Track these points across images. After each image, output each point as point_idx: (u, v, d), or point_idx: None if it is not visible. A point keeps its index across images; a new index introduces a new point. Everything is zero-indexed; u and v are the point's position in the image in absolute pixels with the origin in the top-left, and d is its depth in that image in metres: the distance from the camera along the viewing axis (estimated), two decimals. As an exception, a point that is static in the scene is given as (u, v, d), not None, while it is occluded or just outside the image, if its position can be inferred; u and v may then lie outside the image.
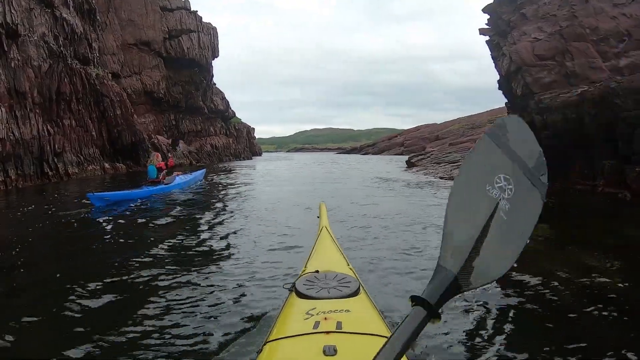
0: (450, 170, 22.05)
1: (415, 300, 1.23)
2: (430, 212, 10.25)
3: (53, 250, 7.13)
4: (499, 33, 18.41)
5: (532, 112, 15.02)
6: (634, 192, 11.02)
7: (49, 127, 18.74)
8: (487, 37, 19.44)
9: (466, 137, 57.55)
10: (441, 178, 20.05)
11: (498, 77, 18.77)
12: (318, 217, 5.01)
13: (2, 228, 8.83)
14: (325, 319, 2.23)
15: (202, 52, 43.10)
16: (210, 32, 46.18)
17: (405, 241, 7.20)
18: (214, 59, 47.78)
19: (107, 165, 22.20)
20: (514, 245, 1.35)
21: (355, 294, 2.68)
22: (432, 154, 30.59)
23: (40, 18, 21.38)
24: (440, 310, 1.21)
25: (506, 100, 19.36)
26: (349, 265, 3.44)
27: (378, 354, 1.13)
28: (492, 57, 19.33)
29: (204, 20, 44.84)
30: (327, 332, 2.08)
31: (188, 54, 40.40)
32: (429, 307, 1.20)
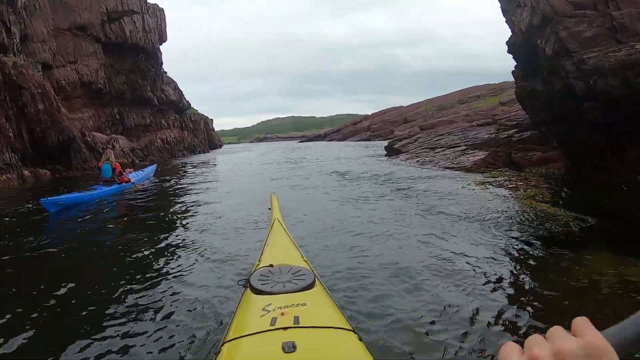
0: (456, 158, 18.21)
1: None
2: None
3: (12, 261, 6.57)
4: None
5: (569, 76, 11.80)
6: None
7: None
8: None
9: (436, 119, 56.32)
10: (449, 169, 16.47)
11: (510, 37, 15.60)
12: (269, 209, 5.13)
13: None
14: (282, 314, 2.27)
15: (147, 36, 39.46)
16: (157, 13, 42.49)
17: (362, 235, 7.09)
18: (161, 44, 44.13)
19: (26, 172, 18.83)
20: None
21: (310, 286, 2.74)
22: (419, 137, 26.40)
23: None
24: None
25: (514, 68, 16.36)
26: (303, 257, 3.50)
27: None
28: (502, 11, 15.98)
29: (149, 1, 41.23)
30: (285, 328, 2.11)
31: (131, 38, 36.67)
32: None
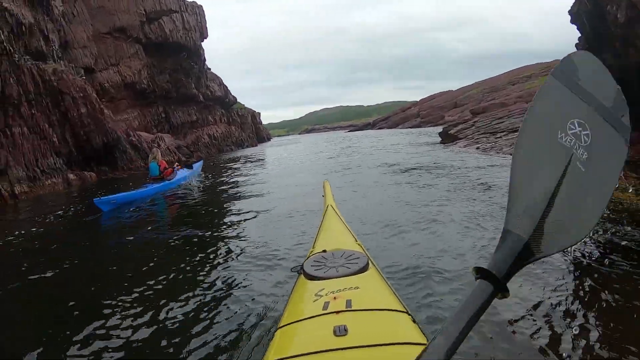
0: None
1: (480, 272, 1.10)
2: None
3: (70, 258, 6.81)
4: None
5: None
6: None
7: (-15, 140, 15.67)
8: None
9: (487, 102, 54.46)
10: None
11: (572, 4, 13.98)
12: (323, 196, 5.05)
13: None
14: (335, 298, 2.27)
15: (188, 34, 39.69)
16: (196, 10, 42.66)
17: (419, 215, 7.05)
18: (202, 41, 44.35)
19: (71, 176, 19.10)
20: (597, 200, 1.26)
21: (364, 269, 2.70)
22: (477, 122, 23.97)
23: (-26, 11, 18.32)
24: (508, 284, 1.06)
25: (577, 40, 14.76)
26: (357, 241, 3.45)
27: (440, 333, 1.01)
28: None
29: (187, -1, 41.45)
30: (337, 312, 2.11)
31: (171, 37, 36.97)
32: (496, 281, 1.07)
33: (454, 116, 64.24)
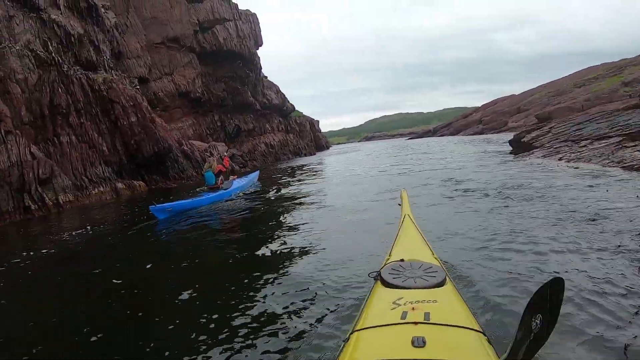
0: (612, 153, 13.26)
1: None
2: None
3: (130, 265, 7.09)
4: None
5: None
6: None
7: (32, 149, 15.45)
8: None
9: (553, 106, 51.75)
10: (622, 167, 11.52)
11: None
12: (400, 204, 5.13)
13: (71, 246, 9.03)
14: (413, 309, 2.32)
15: (242, 42, 39.49)
16: (250, 19, 42.53)
17: (496, 235, 6.26)
18: (257, 49, 44.12)
19: (120, 185, 18.77)
20: None
21: (441, 284, 2.74)
22: (553, 127, 20.52)
23: (24, 24, 18.38)
24: None
25: None
26: (434, 254, 3.50)
27: None
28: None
29: (240, 7, 41.34)
30: (415, 323, 2.17)
31: (225, 45, 36.80)
32: None
33: (518, 122, 61.91)
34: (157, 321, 4.49)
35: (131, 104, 20.69)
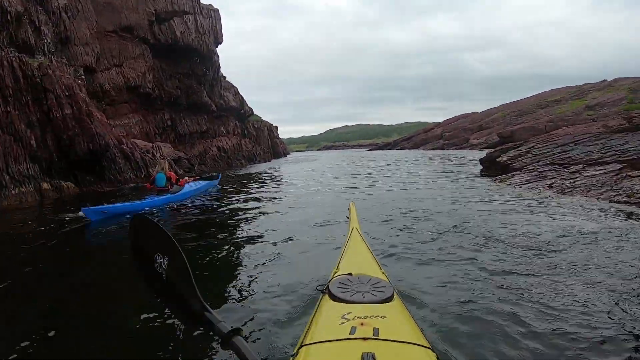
0: (616, 183, 11.69)
1: None
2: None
3: (50, 270, 6.83)
4: None
5: None
6: None
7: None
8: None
9: (515, 126, 52.35)
10: (616, 203, 9.98)
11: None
12: (348, 217, 5.12)
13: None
14: (362, 324, 2.32)
15: (201, 38, 37.83)
16: (211, 14, 40.96)
17: (443, 248, 6.53)
18: (217, 46, 42.57)
19: (45, 185, 17.04)
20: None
21: (389, 299, 2.76)
22: (533, 147, 18.62)
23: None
24: None
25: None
26: (381, 269, 3.50)
27: None
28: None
29: (202, 1, 39.76)
30: (365, 339, 2.16)
31: (182, 39, 35.00)
32: None
33: (479, 139, 62.67)
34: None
35: (67, 94, 18.91)
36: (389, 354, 2.04)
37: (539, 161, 16.80)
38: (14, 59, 17.70)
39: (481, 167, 20.45)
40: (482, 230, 7.64)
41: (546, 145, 18.58)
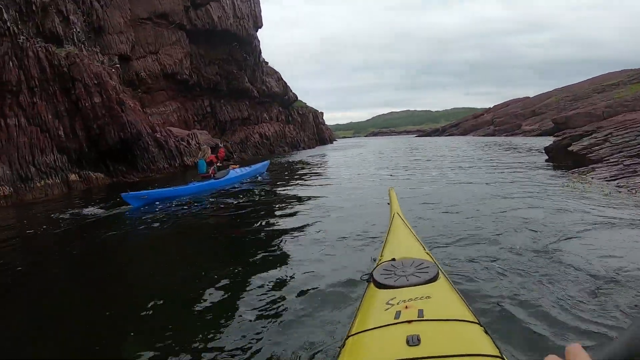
0: None
1: None
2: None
3: (82, 258, 6.93)
4: None
5: None
6: None
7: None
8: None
9: (571, 111, 49.67)
10: None
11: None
12: (388, 203, 5.08)
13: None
14: (406, 307, 2.33)
15: (239, 22, 37.29)
16: (250, -3, 40.42)
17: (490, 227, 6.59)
18: (257, 31, 42.01)
19: (73, 176, 16.89)
20: None
21: (434, 279, 2.77)
22: (610, 136, 15.27)
23: (-26, -12, 16.50)
24: None
25: None
26: (425, 250, 3.50)
27: None
28: None
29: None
30: (409, 321, 2.16)
31: (220, 24, 34.54)
32: None
33: (532, 125, 60.01)
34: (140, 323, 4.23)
35: (95, 82, 18.71)
36: (434, 333, 2.05)
37: (620, 152, 13.72)
38: (39, 49, 17.58)
39: (546, 157, 18.12)
40: (577, 255, 5.29)
41: (626, 133, 15.21)
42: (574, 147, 15.77)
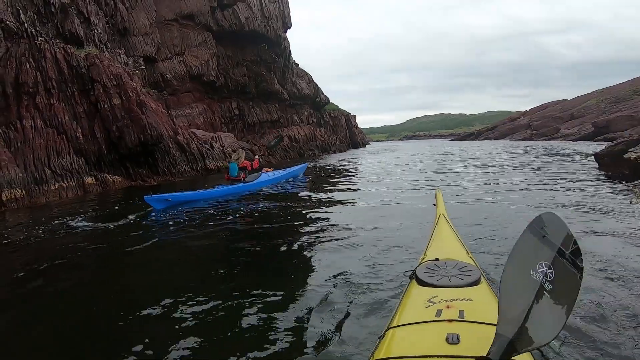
0: None
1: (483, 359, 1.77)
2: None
3: (104, 263, 6.97)
4: None
5: None
6: None
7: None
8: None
9: (612, 114, 47.91)
10: None
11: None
12: (434, 204, 5.14)
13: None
14: (448, 307, 2.42)
15: (267, 23, 36.87)
16: (279, -2, 40.03)
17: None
18: (286, 31, 41.59)
19: (89, 179, 16.63)
20: (559, 316, 1.86)
21: (476, 283, 2.83)
22: None
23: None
24: None
25: None
26: (468, 253, 3.56)
27: None
28: None
29: None
30: (450, 321, 2.27)
31: (247, 25, 34.15)
32: None
33: (571, 129, 58.09)
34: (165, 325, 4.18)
35: (115, 83, 18.47)
36: (473, 335, 2.12)
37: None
38: (57, 50, 17.43)
39: (596, 165, 16.47)
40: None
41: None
42: (631, 155, 13.52)
